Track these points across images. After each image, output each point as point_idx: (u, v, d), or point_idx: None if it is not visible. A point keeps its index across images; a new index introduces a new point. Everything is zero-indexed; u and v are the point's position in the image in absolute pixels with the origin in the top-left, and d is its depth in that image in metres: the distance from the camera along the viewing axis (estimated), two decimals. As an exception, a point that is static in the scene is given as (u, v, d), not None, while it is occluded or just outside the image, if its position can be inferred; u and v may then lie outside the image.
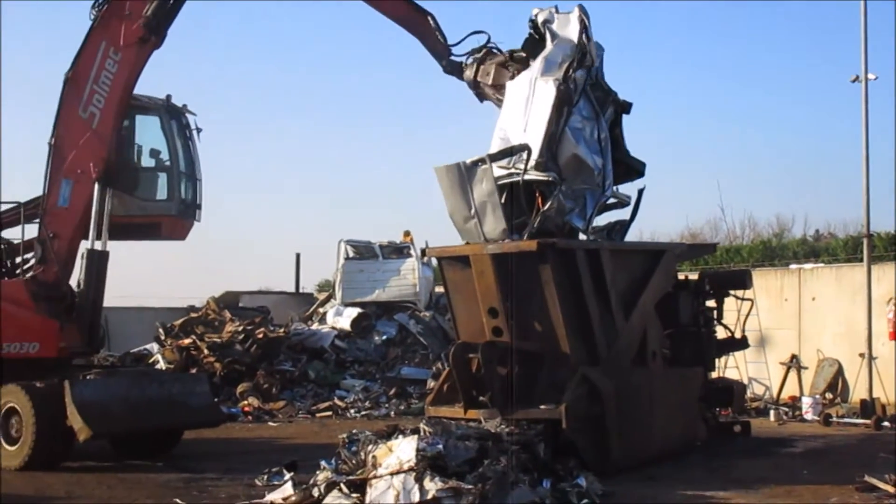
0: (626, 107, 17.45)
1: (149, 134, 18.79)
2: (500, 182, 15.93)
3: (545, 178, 15.96)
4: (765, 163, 69.79)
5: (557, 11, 17.09)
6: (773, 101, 72.38)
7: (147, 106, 18.61)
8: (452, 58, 18.03)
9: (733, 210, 65.29)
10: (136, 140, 18.77)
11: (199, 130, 19.18)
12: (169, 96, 18.78)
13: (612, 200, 17.19)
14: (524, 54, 17.31)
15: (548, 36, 16.92)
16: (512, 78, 17.16)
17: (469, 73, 17.83)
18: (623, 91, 17.42)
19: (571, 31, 16.82)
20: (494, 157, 16.01)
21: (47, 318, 16.96)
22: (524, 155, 15.90)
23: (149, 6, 17.27)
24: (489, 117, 17.33)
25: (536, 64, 16.74)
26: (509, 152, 16.11)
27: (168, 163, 18.62)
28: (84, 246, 17.59)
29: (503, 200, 15.87)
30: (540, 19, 17.05)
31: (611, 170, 16.94)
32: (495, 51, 17.79)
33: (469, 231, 16.15)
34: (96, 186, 17.23)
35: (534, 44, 17.18)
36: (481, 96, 17.97)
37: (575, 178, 16.50)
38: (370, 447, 12.94)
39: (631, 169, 17.53)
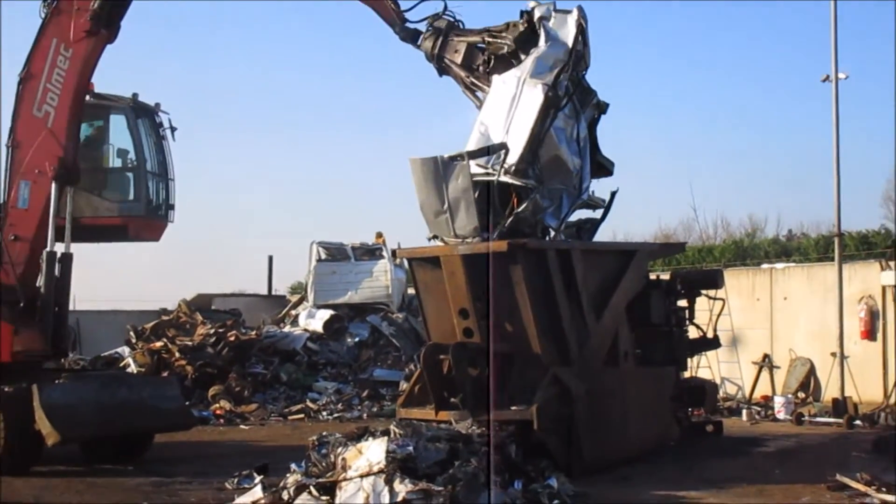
0: (603, 108, 17.38)
1: (116, 134, 18.61)
2: (475, 179, 15.85)
3: (523, 184, 15.91)
4: (738, 163, 70.02)
5: (555, 9, 16.76)
6: (746, 101, 72.71)
7: (111, 105, 18.42)
8: (407, 25, 17.56)
9: (706, 211, 65.63)
10: (109, 140, 18.61)
11: (173, 129, 19.02)
12: (135, 95, 18.58)
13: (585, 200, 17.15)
14: (503, 39, 16.92)
15: (542, 34, 16.58)
16: (495, 69, 16.86)
17: (427, 45, 17.42)
18: (597, 89, 17.36)
19: (567, 34, 16.53)
20: (473, 155, 15.89)
21: (3, 322, 16.68)
22: (502, 155, 15.80)
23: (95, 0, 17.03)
24: (465, 118, 17.18)
25: (527, 63, 16.46)
26: (487, 151, 16.01)
27: (135, 163, 18.41)
28: (59, 248, 17.37)
29: (476, 197, 15.77)
30: (536, 14, 16.69)
31: (589, 171, 16.90)
32: (458, 23, 17.39)
33: (439, 225, 16.04)
34: (53, 186, 16.95)
35: (525, 38, 16.81)
36: (442, 71, 17.57)
37: (553, 178, 16.45)
38: (340, 449, 12.85)
39: (601, 167, 17.47)
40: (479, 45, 17.23)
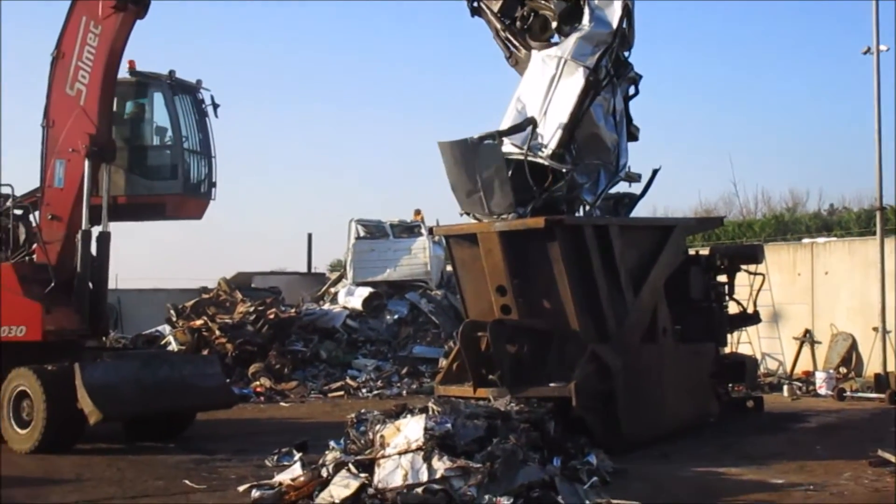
0: (636, 80, 17.27)
1: (156, 111, 18.63)
2: (509, 157, 15.81)
3: (560, 168, 15.86)
4: (778, 137, 69.60)
5: None
6: (786, 75, 72.18)
7: (149, 83, 18.46)
8: None
9: (746, 185, 65.39)
10: (147, 118, 18.64)
11: (216, 106, 18.95)
12: (172, 72, 18.48)
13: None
14: (547, 1, 16.75)
15: (586, 12, 16.42)
16: (532, 30, 16.81)
17: None
18: (636, 60, 17.20)
19: (613, 14, 16.38)
20: (503, 134, 15.87)
21: (32, 301, 16.72)
22: (538, 136, 15.73)
23: None
24: (504, 95, 17.02)
25: (569, 43, 16.34)
26: (518, 128, 15.97)
27: (172, 140, 18.47)
28: (96, 229, 17.46)
29: (510, 174, 15.72)
30: None
31: (626, 146, 16.81)
32: None
33: (472, 203, 15.99)
34: (87, 164, 16.99)
35: (569, 11, 16.66)
36: (475, 12, 17.44)
37: (591, 154, 16.40)
38: (378, 427, 12.86)
39: (630, 135, 17.33)
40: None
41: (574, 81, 16.06)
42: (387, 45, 77.49)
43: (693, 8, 75.32)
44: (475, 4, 17.40)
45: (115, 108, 17.84)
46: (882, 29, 23.76)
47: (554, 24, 16.77)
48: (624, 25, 16.43)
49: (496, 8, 17.17)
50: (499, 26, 17.20)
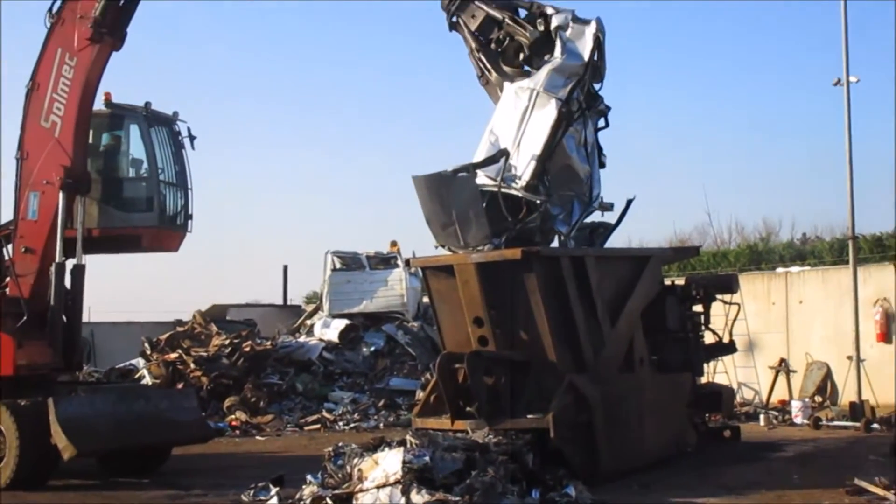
0: (605, 112, 17.39)
1: (132, 144, 18.57)
2: (483, 190, 15.86)
3: (533, 199, 15.91)
4: (751, 167, 69.97)
5: (574, 19, 16.71)
6: (759, 104, 72.59)
7: (124, 115, 18.41)
8: None
9: (720, 215, 65.60)
10: (123, 150, 18.57)
11: (192, 138, 18.93)
12: (148, 104, 18.46)
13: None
14: (523, 29, 16.80)
15: (558, 44, 16.56)
16: (505, 54, 16.94)
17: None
18: (607, 94, 17.31)
19: (584, 46, 16.51)
20: (477, 166, 15.95)
21: (4, 334, 16.53)
22: (511, 168, 15.81)
23: (98, 5, 16.89)
24: (479, 127, 17.11)
25: (542, 75, 16.45)
26: (491, 160, 16.03)
27: (148, 172, 18.39)
28: (70, 262, 17.33)
29: (485, 206, 15.79)
30: (554, 23, 16.65)
31: (599, 177, 16.88)
32: None
33: (448, 237, 16.02)
34: (61, 196, 16.85)
35: (542, 43, 16.77)
36: (453, 27, 17.44)
37: (564, 185, 16.47)
38: (356, 460, 12.83)
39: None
40: (499, 21, 17.08)
41: (547, 113, 16.15)
42: (365, 73, 77.56)
43: (666, 39, 75.84)
44: (454, 20, 17.45)
45: (90, 139, 17.78)
46: (852, 60, 24.00)
47: (526, 53, 16.89)
48: (595, 58, 16.54)
49: (473, 26, 17.22)
50: (474, 45, 17.26)
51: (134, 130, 18.49)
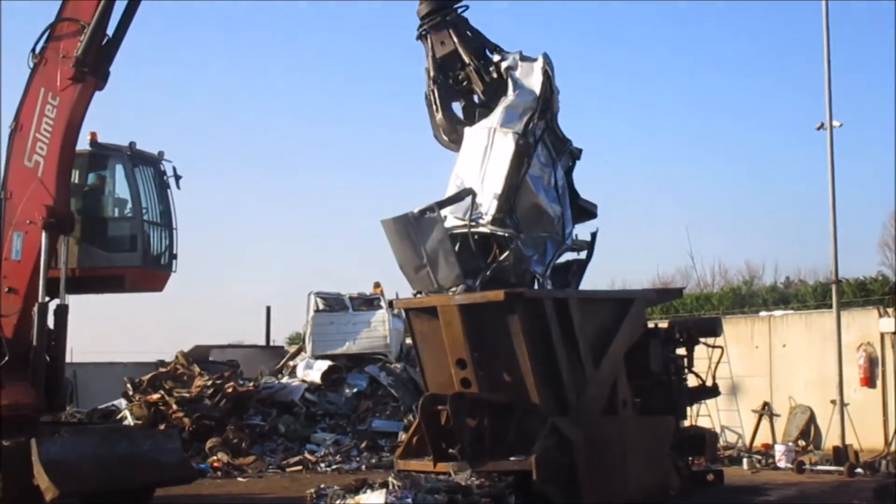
0: (576, 154, 17.50)
1: (116, 183, 18.55)
2: (452, 232, 15.93)
3: (503, 234, 15.96)
4: (735, 210, 70.30)
5: (522, 59, 17.08)
6: (742, 148, 73.08)
7: (109, 154, 18.40)
8: None
9: (703, 258, 65.77)
10: (108, 190, 18.55)
11: (178, 178, 18.93)
12: (132, 143, 18.47)
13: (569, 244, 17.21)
14: (481, 78, 17.13)
15: (510, 84, 16.91)
16: (461, 93, 17.18)
17: (424, 9, 17.45)
18: (588, 138, 17.48)
19: (534, 82, 16.84)
20: (442, 204, 16.03)
21: None
22: (478, 205, 15.89)
23: (80, 45, 16.92)
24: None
25: (497, 113, 16.74)
26: (457, 198, 16.12)
27: (132, 213, 18.37)
28: (54, 302, 17.23)
29: (457, 248, 15.86)
30: (503, 66, 17.04)
31: (570, 216, 16.96)
32: (464, 20, 17.41)
33: (421, 280, 16.05)
34: (44, 235, 16.76)
35: (494, 88, 17.12)
36: (420, 39, 17.56)
37: (535, 226, 16.54)
38: (338, 502, 12.78)
39: (585, 211, 17.51)
40: (463, 62, 17.32)
41: (505, 147, 16.32)
42: (347, 113, 77.91)
43: (646, 76, 76.37)
44: (424, 32, 17.57)
45: (75, 179, 17.76)
46: (835, 104, 24.19)
47: (482, 99, 17.26)
48: (547, 91, 16.80)
49: (439, 53, 17.39)
50: (433, 73, 17.43)
51: (119, 170, 18.48)
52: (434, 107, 17.42)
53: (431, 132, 17.64)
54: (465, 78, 17.35)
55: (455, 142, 17.16)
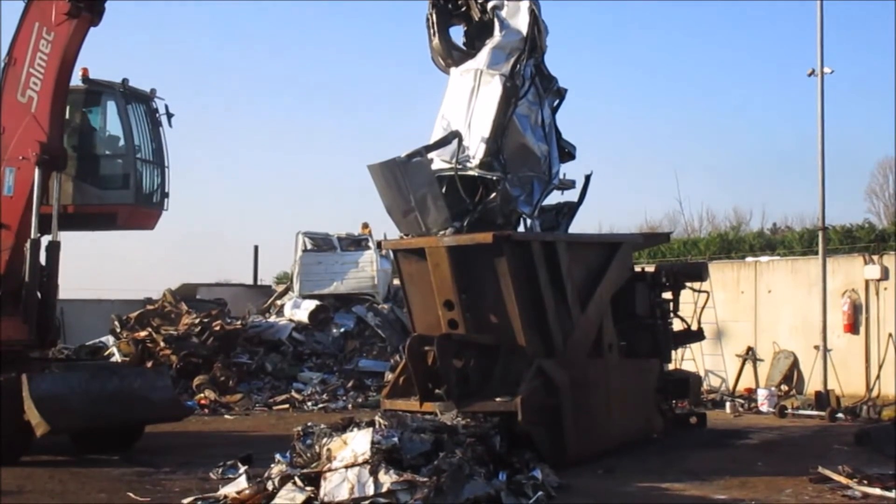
0: (563, 93, 17.45)
1: (108, 120, 18.47)
2: (440, 175, 15.95)
3: (490, 177, 15.97)
4: (723, 156, 70.29)
5: None
6: (732, 94, 72.91)
7: (101, 91, 18.31)
8: None
9: (691, 203, 66.01)
10: (99, 126, 18.48)
11: (170, 116, 18.84)
12: (125, 80, 18.37)
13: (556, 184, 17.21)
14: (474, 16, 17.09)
15: (496, 23, 16.76)
16: (456, 64, 17.00)
17: None
18: (579, 81, 17.40)
19: (521, 22, 16.70)
20: (430, 149, 16.01)
21: None
22: (465, 148, 15.88)
23: None
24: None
25: (483, 54, 16.64)
26: (442, 143, 16.10)
27: (125, 149, 18.33)
28: (46, 238, 17.20)
29: (444, 191, 15.88)
30: (489, 5, 16.88)
31: (557, 155, 16.95)
32: None
33: (410, 224, 16.08)
34: (37, 172, 16.68)
35: (480, 27, 17.03)
36: None
37: (521, 165, 16.55)
38: (325, 440, 12.85)
39: (565, 152, 17.49)
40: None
41: (492, 89, 16.28)
42: (344, 52, 77.49)
43: (641, 27, 76.04)
44: None
45: (67, 116, 17.67)
46: (826, 51, 24.20)
47: (467, 39, 17.26)
48: (534, 32, 16.69)
49: None
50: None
51: (111, 107, 18.38)
52: (431, 31, 17.34)
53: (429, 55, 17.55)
54: (464, 3, 17.22)
55: (450, 66, 17.07)
